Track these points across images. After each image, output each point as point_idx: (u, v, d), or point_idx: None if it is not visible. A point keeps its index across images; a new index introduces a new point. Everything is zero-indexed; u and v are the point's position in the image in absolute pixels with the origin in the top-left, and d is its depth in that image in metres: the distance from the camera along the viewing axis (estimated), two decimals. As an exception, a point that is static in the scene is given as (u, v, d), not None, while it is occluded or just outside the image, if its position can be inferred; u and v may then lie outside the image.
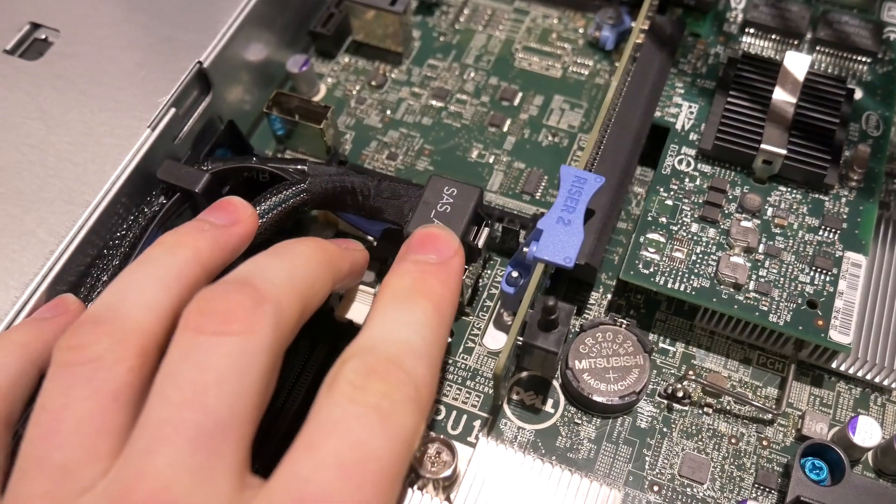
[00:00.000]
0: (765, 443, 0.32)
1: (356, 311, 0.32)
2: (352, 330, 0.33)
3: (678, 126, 0.37)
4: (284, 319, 0.23)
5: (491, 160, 0.40)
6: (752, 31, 0.41)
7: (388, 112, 0.42)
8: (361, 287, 0.33)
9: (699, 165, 0.36)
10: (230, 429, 0.20)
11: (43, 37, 0.37)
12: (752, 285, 0.33)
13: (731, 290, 0.32)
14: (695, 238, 0.34)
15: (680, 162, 0.36)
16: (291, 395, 0.32)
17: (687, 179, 0.36)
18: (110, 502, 0.20)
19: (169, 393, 0.21)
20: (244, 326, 0.22)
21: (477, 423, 0.32)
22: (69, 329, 0.23)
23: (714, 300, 0.32)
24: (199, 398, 0.20)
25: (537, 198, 0.38)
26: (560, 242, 0.30)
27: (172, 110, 0.34)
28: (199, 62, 0.35)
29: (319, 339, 0.34)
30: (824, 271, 0.33)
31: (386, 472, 0.21)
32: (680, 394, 0.32)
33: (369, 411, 0.21)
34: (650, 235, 0.34)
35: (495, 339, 0.35)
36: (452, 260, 0.27)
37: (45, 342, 0.26)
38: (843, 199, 0.35)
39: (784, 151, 0.34)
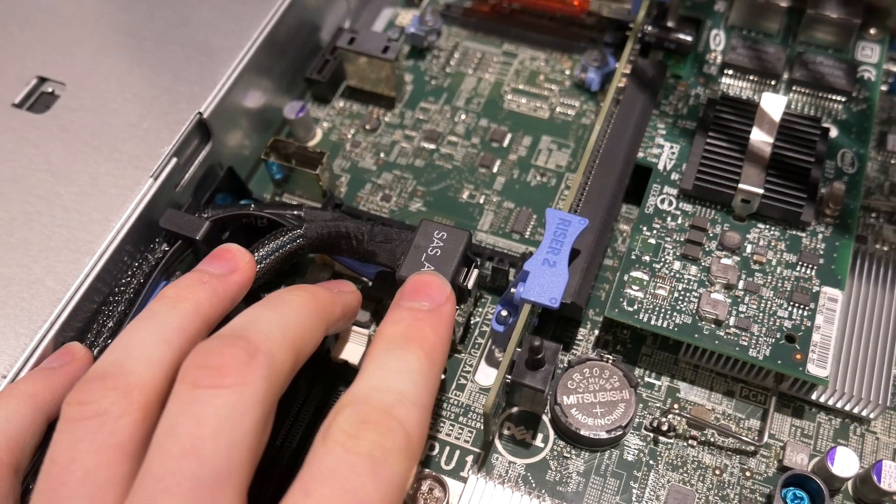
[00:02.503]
0: (748, 474, 0.33)
1: (351, 352, 0.34)
2: (347, 369, 0.34)
3: (660, 166, 0.39)
4: (277, 369, 0.24)
5: (481, 200, 0.41)
6: (730, 72, 0.42)
7: (382, 155, 0.43)
8: (356, 328, 0.34)
9: (681, 204, 0.37)
10: (227, 478, 0.22)
11: (50, 90, 0.38)
12: (732, 321, 0.34)
13: (712, 325, 0.34)
14: (677, 275, 0.35)
15: (662, 201, 0.38)
16: (290, 433, 0.33)
17: (669, 218, 0.37)
18: None
19: (168, 445, 0.22)
20: (238, 379, 0.23)
21: (469, 459, 0.33)
22: (77, 385, 0.24)
23: (696, 336, 0.33)
24: (196, 449, 0.22)
25: (526, 237, 0.40)
26: (546, 283, 0.31)
27: (174, 160, 0.36)
28: (199, 113, 0.37)
29: (317, 379, 0.35)
30: (802, 306, 0.34)
31: None
32: (665, 427, 0.34)
33: (362, 459, 0.22)
34: (634, 273, 0.35)
35: (487, 376, 0.36)
36: (444, 307, 0.28)
37: (54, 392, 0.27)
38: (820, 236, 0.36)
39: (761, 191, 0.36)
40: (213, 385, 0.23)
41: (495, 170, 0.42)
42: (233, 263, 0.30)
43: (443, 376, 0.36)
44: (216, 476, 0.21)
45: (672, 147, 0.39)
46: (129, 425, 0.23)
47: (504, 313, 0.34)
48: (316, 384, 0.35)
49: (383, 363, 0.26)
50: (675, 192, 0.38)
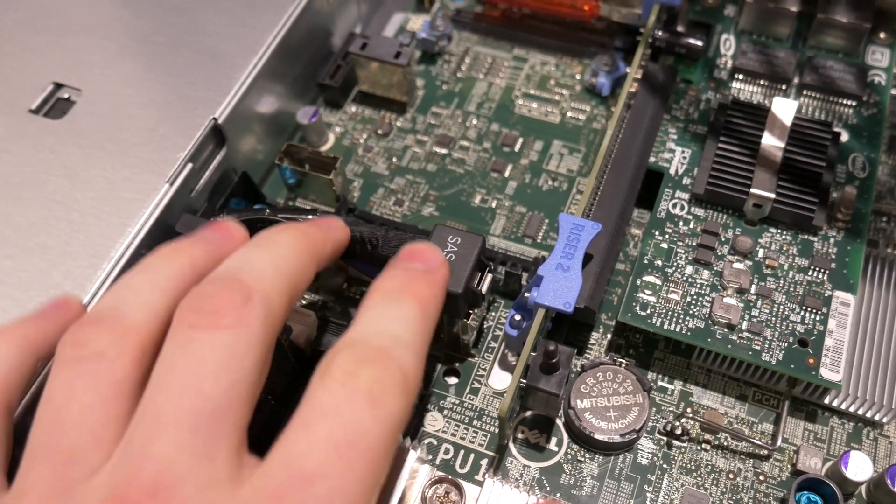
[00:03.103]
0: (761, 478, 0.33)
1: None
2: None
3: (672, 171, 0.39)
4: (273, 309, 0.25)
5: (493, 205, 0.41)
6: (741, 77, 0.42)
7: (395, 159, 0.43)
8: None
9: (692, 209, 0.38)
10: (227, 413, 0.22)
11: (66, 96, 0.38)
12: (744, 325, 0.34)
13: (725, 330, 0.34)
14: (689, 280, 0.35)
15: (674, 206, 0.38)
16: None
17: (681, 223, 0.37)
18: (118, 483, 0.21)
19: (168, 382, 0.22)
20: (235, 320, 0.23)
21: (484, 462, 0.34)
22: (71, 328, 0.24)
23: (709, 340, 0.34)
24: (196, 386, 0.22)
25: (539, 241, 0.40)
26: (559, 288, 0.32)
27: (189, 165, 0.36)
28: (214, 118, 0.37)
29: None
30: (814, 311, 0.34)
31: (376, 451, 0.22)
32: (679, 431, 0.34)
33: (361, 395, 0.22)
34: (646, 278, 0.35)
35: (500, 380, 0.36)
36: (438, 270, 0.29)
37: (45, 334, 0.27)
38: (832, 240, 0.36)
39: (773, 195, 0.36)
40: (211, 326, 0.23)
41: (507, 174, 0.42)
42: (228, 233, 0.30)
43: (456, 380, 0.36)
44: (216, 411, 0.22)
45: (683, 152, 0.40)
46: (126, 366, 0.23)
47: (517, 317, 0.34)
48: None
49: (379, 311, 0.26)
50: (686, 196, 0.38)
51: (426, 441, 0.34)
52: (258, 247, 0.27)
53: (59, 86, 0.39)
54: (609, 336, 0.37)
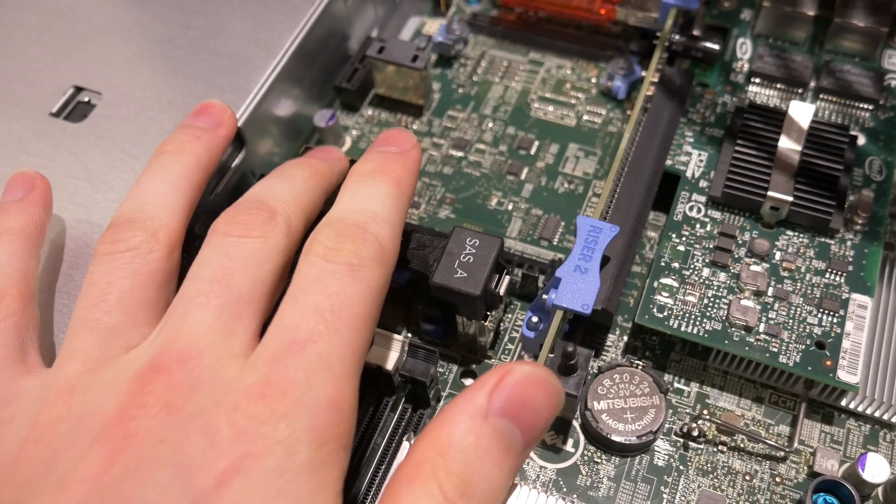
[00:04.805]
0: (778, 479, 0.33)
1: (382, 356, 0.34)
2: (380, 374, 0.34)
3: (689, 174, 0.39)
4: (293, 229, 0.28)
5: (510, 207, 0.41)
6: (757, 80, 0.43)
7: (411, 162, 0.43)
8: (387, 332, 0.34)
9: (709, 212, 0.38)
10: (250, 303, 0.26)
11: (86, 99, 0.39)
12: (762, 327, 0.34)
13: (742, 332, 0.34)
14: (706, 282, 0.35)
15: (691, 209, 0.38)
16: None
17: (698, 225, 0.37)
18: (154, 353, 0.24)
19: (202, 274, 0.26)
20: (262, 232, 0.27)
21: (501, 463, 0.34)
22: (107, 228, 0.28)
23: (726, 342, 0.34)
24: (226, 278, 0.26)
25: (555, 243, 0.40)
26: (577, 290, 0.32)
27: (209, 167, 0.36)
28: (233, 121, 0.38)
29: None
30: (831, 313, 0.34)
31: (358, 316, 0.25)
32: (695, 432, 0.34)
33: (342, 267, 0.25)
34: (663, 280, 0.36)
35: (517, 381, 0.36)
36: (411, 151, 0.31)
37: (36, 223, 0.30)
38: (849, 243, 0.36)
39: (790, 198, 0.36)
40: (241, 235, 0.27)
41: (523, 177, 0.43)
42: (217, 118, 0.33)
43: (473, 372, 0.36)
44: (240, 299, 0.25)
45: (700, 155, 0.40)
46: (158, 260, 0.27)
47: (535, 319, 0.34)
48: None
49: (356, 191, 0.29)
50: (703, 199, 0.38)
51: (443, 442, 0.34)
52: (279, 177, 0.31)
53: (79, 89, 0.39)
54: (626, 338, 0.37)
